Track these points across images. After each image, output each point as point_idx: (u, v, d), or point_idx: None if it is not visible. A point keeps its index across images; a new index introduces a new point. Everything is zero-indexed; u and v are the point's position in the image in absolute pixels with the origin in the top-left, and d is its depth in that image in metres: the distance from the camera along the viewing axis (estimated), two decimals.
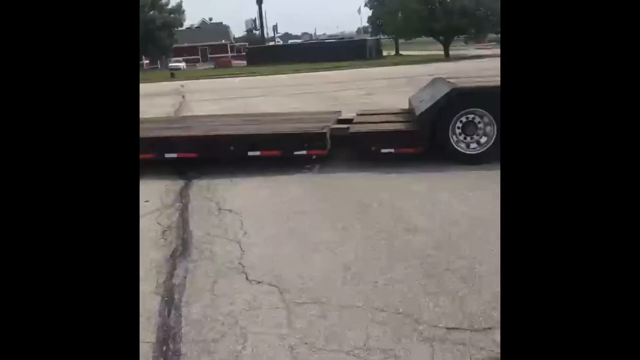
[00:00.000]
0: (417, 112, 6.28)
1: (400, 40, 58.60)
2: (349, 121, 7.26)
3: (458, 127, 5.93)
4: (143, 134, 6.08)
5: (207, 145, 6.32)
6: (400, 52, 58.89)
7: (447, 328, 2.62)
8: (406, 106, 8.28)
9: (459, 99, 5.82)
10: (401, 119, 7.08)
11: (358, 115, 7.85)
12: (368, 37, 64.33)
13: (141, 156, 5.40)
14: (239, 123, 7.74)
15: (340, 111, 8.55)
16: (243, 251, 3.75)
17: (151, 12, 37.51)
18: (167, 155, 6.30)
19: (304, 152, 6.13)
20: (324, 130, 6.21)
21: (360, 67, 34.44)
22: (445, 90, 6.04)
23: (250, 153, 6.20)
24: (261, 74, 33.39)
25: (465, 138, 5.92)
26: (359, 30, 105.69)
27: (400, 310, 2.82)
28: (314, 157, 6.51)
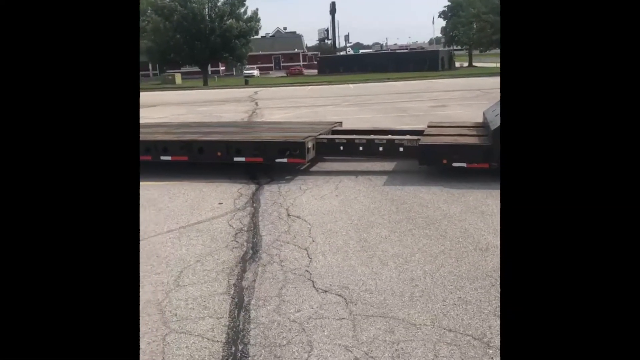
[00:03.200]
0: (492, 127, 6.08)
1: (474, 52, 57.12)
2: (419, 133, 7.18)
3: None
4: (142, 137, 6.46)
5: (196, 150, 6.67)
6: (474, 63, 57.35)
7: None
8: (480, 120, 8.07)
9: None
10: (474, 133, 6.90)
11: (429, 127, 7.74)
12: (441, 47, 63.26)
13: (140, 157, 5.68)
14: (234, 131, 8.03)
15: (340, 122, 8.74)
16: (310, 259, 3.79)
17: (229, 21, 38.88)
18: (162, 158, 6.70)
19: (285, 159, 6.36)
20: (304, 140, 6.36)
21: (432, 78, 33.92)
22: None
23: (235, 159, 6.53)
24: (331, 83, 33.74)
25: None
26: (431, 41, 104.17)
27: (470, 332, 2.73)
28: (301, 167, 6.73)
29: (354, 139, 6.83)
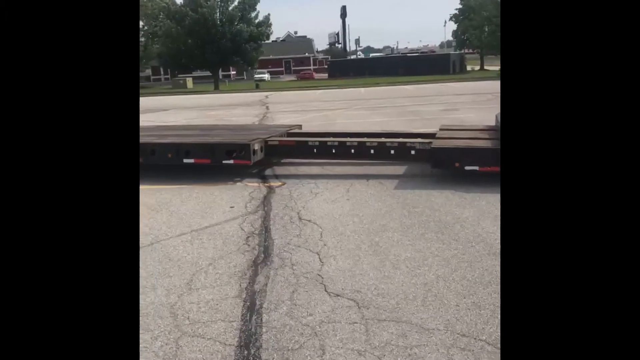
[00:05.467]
0: None
1: (486, 55, 56.80)
2: (431, 136, 7.15)
3: None
4: None
5: (149, 152, 6.85)
6: (486, 67, 57.05)
7: None
8: (492, 123, 8.02)
9: None
10: (487, 136, 6.85)
11: (441, 130, 7.71)
12: (452, 51, 63.05)
13: None
14: (190, 134, 8.27)
15: (300, 125, 9.13)
16: (322, 263, 3.78)
17: (239, 25, 39.09)
18: None
19: (232, 161, 6.56)
20: (249, 142, 6.55)
21: (443, 81, 33.80)
22: None
23: (185, 160, 6.74)
24: (342, 87, 33.76)
25: None
26: (442, 44, 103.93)
27: (484, 337, 2.70)
28: (253, 169, 6.93)
29: (306, 141, 7.12)
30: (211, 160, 6.66)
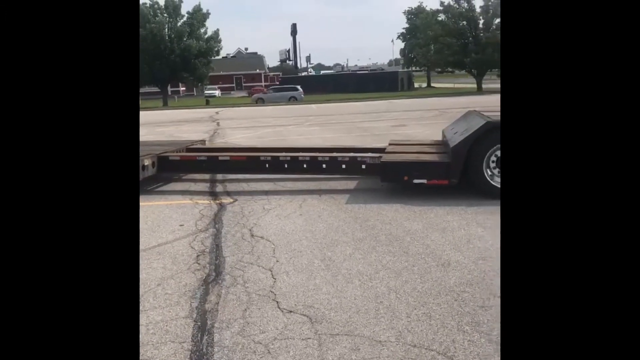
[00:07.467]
0: (451, 144, 6.25)
1: (432, 73, 58.77)
2: (381, 150, 7.29)
3: (493, 161, 5.87)
4: None
5: None
6: (432, 84, 59.00)
7: None
8: (439, 138, 8.28)
9: (494, 132, 5.78)
10: (434, 150, 7.06)
11: (390, 144, 7.88)
12: (400, 69, 64.85)
13: None
14: None
15: (204, 140, 9.44)
16: (275, 279, 3.75)
17: (188, 41, 38.62)
18: None
19: None
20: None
21: (392, 98, 34.63)
22: (480, 123, 6.02)
23: None
24: (293, 103, 33.91)
25: (499, 172, 5.85)
26: (390, 62, 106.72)
27: (434, 347, 2.76)
28: (147, 187, 6.88)
29: (217, 156, 7.29)
30: None
